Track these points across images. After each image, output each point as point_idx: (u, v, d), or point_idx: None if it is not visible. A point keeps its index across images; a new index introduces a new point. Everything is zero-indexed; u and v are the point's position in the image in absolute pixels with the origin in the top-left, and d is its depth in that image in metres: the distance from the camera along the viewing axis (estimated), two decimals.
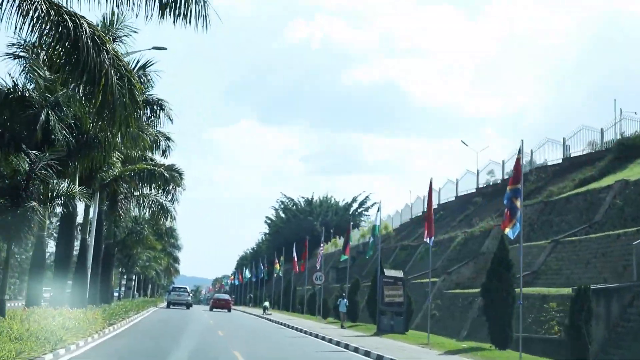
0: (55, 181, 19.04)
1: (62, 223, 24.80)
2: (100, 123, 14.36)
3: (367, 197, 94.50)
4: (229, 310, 58.90)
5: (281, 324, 38.38)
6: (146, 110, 27.29)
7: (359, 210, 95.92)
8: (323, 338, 27.05)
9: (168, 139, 29.92)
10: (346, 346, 23.49)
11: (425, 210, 53.09)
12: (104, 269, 31.17)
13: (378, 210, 36.11)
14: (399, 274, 32.65)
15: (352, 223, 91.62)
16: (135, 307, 32.66)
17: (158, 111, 27.84)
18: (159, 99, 27.95)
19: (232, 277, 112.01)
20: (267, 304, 49.98)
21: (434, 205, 58.86)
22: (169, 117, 28.01)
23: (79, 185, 22.95)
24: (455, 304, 32.80)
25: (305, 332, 30.46)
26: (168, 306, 58.79)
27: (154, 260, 51.18)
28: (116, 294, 45.48)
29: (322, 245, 48.83)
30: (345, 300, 35.27)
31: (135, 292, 51.11)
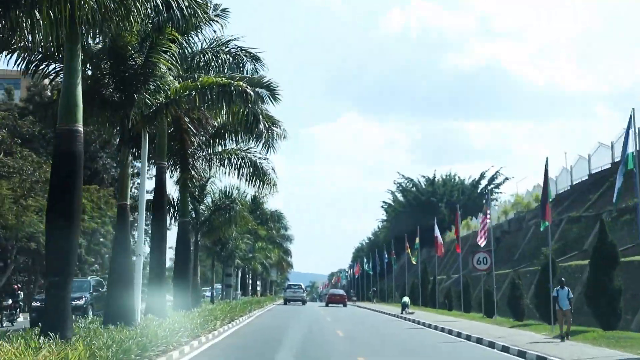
0: None
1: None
2: None
3: (497, 172, 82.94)
4: (344, 305, 59.15)
5: (445, 332, 25.35)
6: None
7: (489, 188, 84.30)
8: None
9: (256, 58, 20.75)
10: None
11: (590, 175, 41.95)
12: (180, 260, 22.43)
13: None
14: None
15: (484, 201, 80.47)
16: (230, 311, 23.66)
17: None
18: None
19: (351, 270, 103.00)
20: (407, 299, 39.51)
21: (566, 185, 48.01)
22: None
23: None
24: None
25: (510, 350, 18.00)
26: (285, 303, 58.90)
27: (259, 251, 42.83)
28: (209, 294, 37.43)
29: (488, 213, 38.48)
30: (567, 290, 21.03)
31: (238, 289, 43.07)
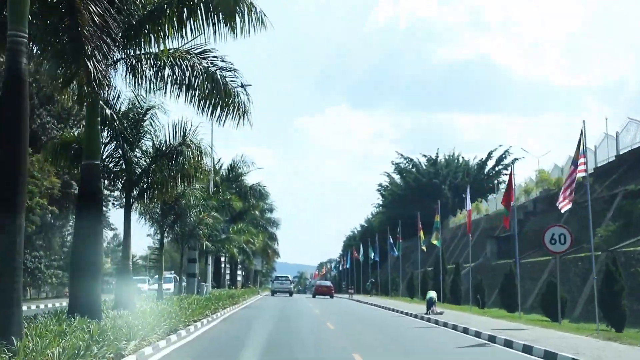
0: None
1: None
2: None
3: (506, 151, 74.81)
4: (331, 297, 58.82)
5: (532, 354, 15.08)
6: None
7: (496, 169, 76.31)
8: None
9: None
10: None
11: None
12: (82, 231, 13.65)
13: None
14: None
15: (493, 184, 72.22)
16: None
17: None
18: None
19: (343, 259, 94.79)
20: (433, 295, 29.03)
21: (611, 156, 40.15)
22: None
23: None
24: None
25: None
26: (272, 294, 59.39)
27: (237, 233, 34.46)
28: (169, 286, 28.91)
29: (582, 159, 30.02)
30: None
31: (209, 280, 34.36)
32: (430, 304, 28.84)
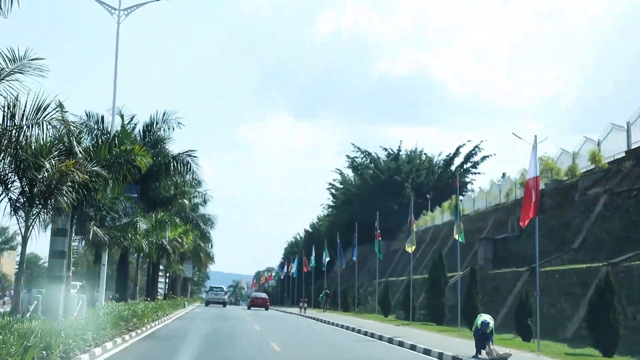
0: None
1: None
2: None
3: (476, 147, 65.74)
4: (266, 309, 57.40)
5: None
6: None
7: (465, 166, 67.20)
8: None
9: None
10: None
11: None
12: None
13: None
14: None
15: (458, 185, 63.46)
16: None
17: None
18: None
19: (289, 267, 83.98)
20: (489, 320, 16.03)
21: None
22: None
23: None
24: None
25: None
26: (206, 305, 59.88)
27: (149, 220, 23.85)
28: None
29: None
30: None
31: (103, 289, 23.60)
32: (483, 338, 16.40)
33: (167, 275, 46.64)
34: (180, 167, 27.57)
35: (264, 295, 66.67)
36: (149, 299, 32.51)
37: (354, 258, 48.57)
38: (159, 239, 30.25)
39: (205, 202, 40.28)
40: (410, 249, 34.91)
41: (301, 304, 44.92)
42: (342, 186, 74.76)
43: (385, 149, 68.20)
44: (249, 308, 57.46)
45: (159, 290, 46.40)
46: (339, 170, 76.58)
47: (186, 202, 36.95)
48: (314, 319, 36.34)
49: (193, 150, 28.31)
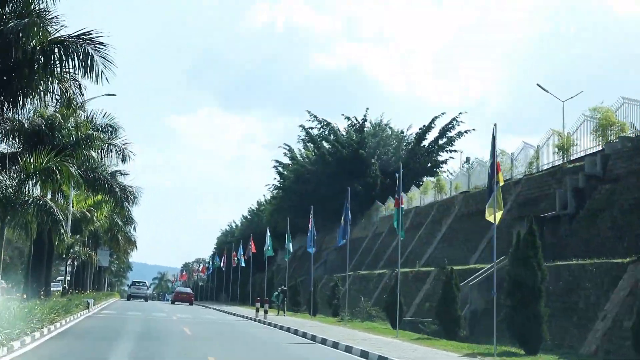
0: None
1: None
2: None
3: (454, 119, 55.61)
4: (191, 304, 57.31)
5: None
6: None
7: (440, 143, 57.17)
8: None
9: None
10: None
11: None
12: None
13: None
14: None
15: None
16: None
17: None
18: None
19: (224, 259, 71.81)
20: None
21: None
22: None
23: None
24: None
25: None
26: (128, 299, 61.49)
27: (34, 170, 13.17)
28: None
29: None
30: None
31: None
32: None
33: (68, 262, 34.53)
34: (77, 62, 15.65)
35: (188, 290, 68.83)
36: (25, 296, 20.76)
37: (311, 249, 37.88)
38: (42, 201, 18.63)
39: (124, 159, 28.48)
40: (493, 216, 22.31)
41: (258, 305, 33.04)
42: (291, 163, 63.59)
43: (348, 118, 57.26)
44: (172, 302, 59.04)
45: (55, 282, 33.82)
46: (288, 145, 65.44)
47: (93, 154, 25.22)
48: (295, 332, 23.92)
49: (99, 35, 16.18)
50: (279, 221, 66.28)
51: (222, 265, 75.16)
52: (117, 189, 28.57)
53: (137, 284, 65.05)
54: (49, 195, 22.57)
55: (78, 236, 32.90)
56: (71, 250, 32.32)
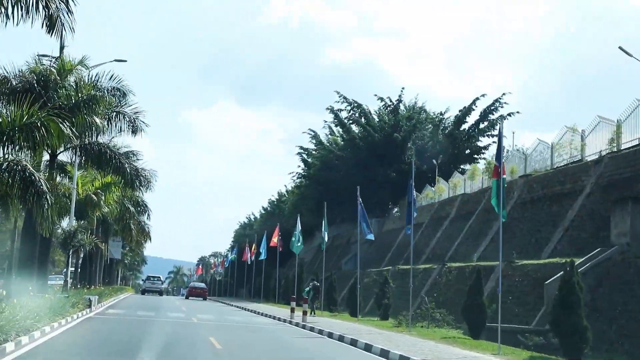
0: None
1: None
2: None
3: (496, 100, 50.71)
4: (204, 299, 58.92)
5: None
6: None
7: (481, 126, 52.38)
8: None
9: None
10: None
11: None
12: None
13: None
14: None
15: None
16: None
17: None
18: None
19: (246, 251, 66.50)
20: None
21: None
22: None
23: None
24: None
25: None
26: (143, 293, 65.05)
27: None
28: None
29: None
30: None
31: None
32: None
33: (70, 253, 29.87)
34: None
35: (202, 285, 70.00)
36: (5, 292, 16.33)
37: (371, 236, 33.08)
38: (20, 165, 14.19)
39: (134, 130, 23.94)
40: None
41: (293, 304, 27.83)
42: (316, 151, 58.92)
43: (381, 99, 52.37)
44: (186, 297, 60.65)
45: (52, 276, 28.96)
46: (313, 131, 60.69)
47: (97, 120, 20.74)
48: (353, 343, 18.64)
49: None
50: (303, 211, 61.76)
51: (246, 257, 69.45)
52: (127, 167, 24.10)
53: (151, 279, 67.97)
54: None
55: (82, 222, 28.44)
56: (74, 238, 27.89)
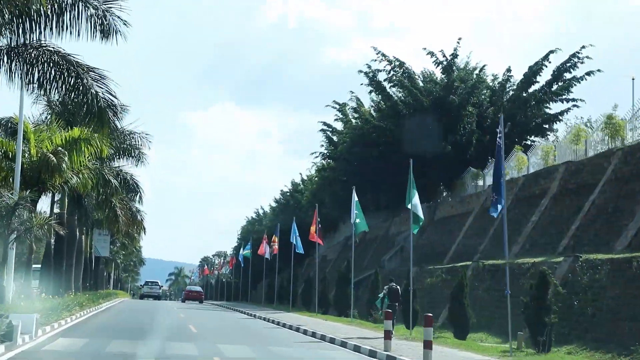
0: None
1: None
2: None
3: (574, 55, 40.48)
4: (201, 302, 61.17)
5: None
6: None
7: (554, 88, 42.21)
8: None
9: None
10: None
11: None
12: None
13: None
14: None
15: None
16: None
17: None
18: None
19: (266, 247, 54.48)
20: None
21: None
22: None
23: None
24: None
25: None
26: (141, 297, 68.36)
27: None
28: None
29: None
30: None
31: None
32: None
33: (12, 239, 19.60)
34: None
35: (198, 288, 74.56)
36: None
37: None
38: None
39: (105, 34, 14.01)
40: None
41: (389, 322, 16.07)
42: (352, 120, 48.71)
43: (432, 53, 41.83)
44: (183, 301, 64.16)
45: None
46: (338, 103, 50.41)
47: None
48: None
49: None
50: (326, 199, 51.68)
51: (262, 251, 57.67)
52: (95, 89, 14.08)
53: (149, 284, 71.88)
54: None
55: (27, 192, 17.97)
56: (13, 217, 17.35)
